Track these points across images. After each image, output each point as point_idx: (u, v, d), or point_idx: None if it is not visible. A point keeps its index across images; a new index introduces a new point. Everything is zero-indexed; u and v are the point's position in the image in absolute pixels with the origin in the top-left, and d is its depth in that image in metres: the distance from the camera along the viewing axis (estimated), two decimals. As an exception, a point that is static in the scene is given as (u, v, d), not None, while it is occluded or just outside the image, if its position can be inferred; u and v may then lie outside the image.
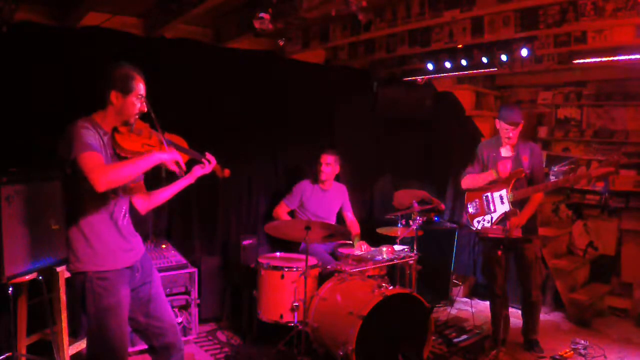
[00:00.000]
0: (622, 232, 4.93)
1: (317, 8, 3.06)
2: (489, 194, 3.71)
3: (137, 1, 3.53)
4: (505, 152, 3.71)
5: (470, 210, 3.87)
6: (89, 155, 2.00)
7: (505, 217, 3.64)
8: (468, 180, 3.83)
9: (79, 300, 2.21)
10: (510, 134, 3.59)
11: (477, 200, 3.80)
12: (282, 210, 4.36)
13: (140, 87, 2.23)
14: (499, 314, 3.77)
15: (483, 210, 3.76)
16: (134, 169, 2.10)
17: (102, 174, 1.97)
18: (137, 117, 2.25)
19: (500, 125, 3.63)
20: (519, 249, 3.68)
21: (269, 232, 3.62)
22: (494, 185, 3.68)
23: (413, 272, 3.91)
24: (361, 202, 5.29)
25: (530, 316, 3.86)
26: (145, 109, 2.25)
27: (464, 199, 3.97)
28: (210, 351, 3.74)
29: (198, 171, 2.52)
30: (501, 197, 3.65)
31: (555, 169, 5.12)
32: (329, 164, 4.28)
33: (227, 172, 2.66)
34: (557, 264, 4.68)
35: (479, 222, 3.78)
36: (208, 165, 2.50)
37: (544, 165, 3.77)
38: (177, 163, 2.22)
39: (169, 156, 2.19)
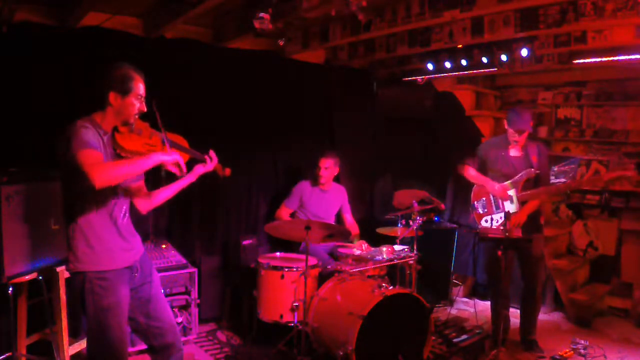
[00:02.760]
0: (622, 232, 4.92)
1: (317, 8, 3.06)
2: None
3: (137, 1, 3.53)
4: (514, 152, 3.72)
5: (479, 209, 3.87)
6: (88, 152, 2.00)
7: (505, 217, 3.65)
8: (473, 173, 3.82)
9: (78, 300, 2.21)
10: (517, 139, 3.61)
11: (484, 198, 3.81)
12: (284, 214, 4.35)
13: (140, 88, 2.22)
14: (500, 314, 3.77)
15: (491, 209, 3.77)
16: (133, 168, 2.09)
17: (101, 170, 1.96)
18: (136, 117, 2.24)
19: (508, 129, 3.64)
20: (523, 247, 3.68)
21: (269, 232, 3.62)
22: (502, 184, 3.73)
23: (413, 272, 3.91)
24: (361, 202, 5.29)
25: (529, 314, 3.86)
26: (145, 109, 2.25)
27: (464, 199, 3.97)
28: (210, 351, 3.74)
29: (199, 170, 2.52)
30: (510, 197, 3.66)
31: (556, 169, 5.12)
32: (327, 168, 4.28)
33: (227, 171, 2.66)
34: (557, 264, 4.68)
35: (486, 221, 3.79)
36: (209, 163, 2.50)
37: (550, 165, 3.77)
38: (177, 165, 2.21)
39: (170, 157, 2.18)
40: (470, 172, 3.83)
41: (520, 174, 3.64)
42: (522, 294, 3.87)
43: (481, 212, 3.85)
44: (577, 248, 5.04)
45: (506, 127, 3.66)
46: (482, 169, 3.82)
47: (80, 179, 1.99)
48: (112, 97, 2.17)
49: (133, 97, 2.19)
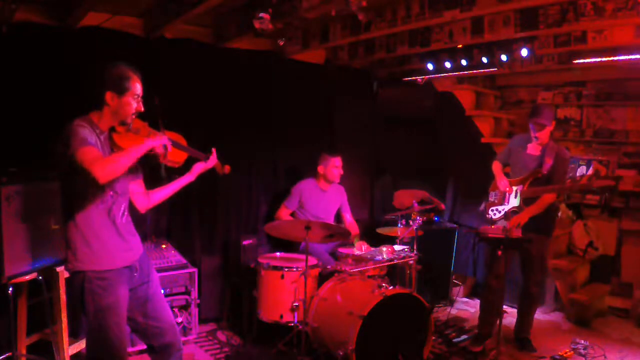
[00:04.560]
0: (622, 232, 4.92)
1: (317, 8, 3.06)
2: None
3: (137, 1, 3.53)
4: (532, 149, 3.75)
5: (491, 198, 3.96)
6: (87, 149, 2.01)
7: (505, 217, 3.67)
8: (494, 168, 3.95)
9: (78, 300, 2.21)
10: (536, 134, 3.61)
11: (498, 190, 3.89)
12: (283, 214, 4.35)
13: (137, 87, 2.22)
14: (490, 306, 3.77)
15: (500, 201, 3.84)
16: (129, 158, 2.10)
17: (102, 165, 1.98)
18: (134, 117, 2.24)
19: (528, 122, 3.67)
20: (524, 246, 3.68)
21: (269, 232, 3.62)
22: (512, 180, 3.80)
23: (413, 272, 3.91)
24: (361, 202, 5.29)
25: (525, 312, 3.90)
26: (142, 109, 2.25)
27: (464, 199, 3.99)
28: (210, 351, 3.74)
29: (199, 167, 2.52)
30: (516, 193, 3.72)
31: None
32: (337, 167, 4.31)
33: (227, 168, 2.67)
34: (557, 264, 4.68)
35: (492, 211, 3.86)
36: (208, 161, 2.50)
37: (566, 172, 3.80)
38: (164, 146, 2.22)
39: (158, 141, 2.20)
40: (494, 167, 3.96)
41: (527, 173, 3.67)
42: (519, 293, 3.92)
43: (492, 200, 3.94)
44: (577, 248, 5.04)
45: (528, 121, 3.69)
46: (507, 161, 3.93)
47: (79, 177, 1.99)
48: (109, 96, 2.17)
49: (130, 96, 2.19)
